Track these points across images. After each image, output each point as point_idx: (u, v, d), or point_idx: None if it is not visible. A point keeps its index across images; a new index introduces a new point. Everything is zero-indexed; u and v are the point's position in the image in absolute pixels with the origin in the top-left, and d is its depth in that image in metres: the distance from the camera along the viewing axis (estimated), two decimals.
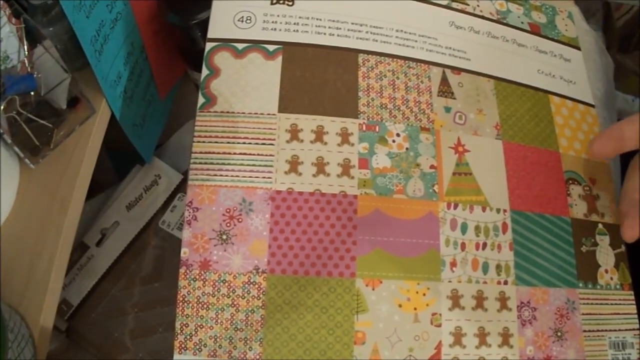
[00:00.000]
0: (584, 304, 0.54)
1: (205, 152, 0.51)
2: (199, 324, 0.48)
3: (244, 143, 0.52)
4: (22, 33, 0.50)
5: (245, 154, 0.51)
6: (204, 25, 0.58)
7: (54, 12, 0.52)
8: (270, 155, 0.51)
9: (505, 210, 0.54)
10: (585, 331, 0.54)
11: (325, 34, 0.56)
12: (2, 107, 0.49)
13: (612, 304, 0.56)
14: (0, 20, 0.49)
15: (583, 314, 0.54)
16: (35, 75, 0.51)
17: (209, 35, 0.55)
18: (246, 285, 0.49)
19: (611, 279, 0.56)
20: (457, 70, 0.58)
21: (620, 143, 0.53)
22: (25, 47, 0.50)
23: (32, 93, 0.51)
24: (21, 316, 0.50)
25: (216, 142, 0.51)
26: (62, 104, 0.54)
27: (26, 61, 0.50)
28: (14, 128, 0.51)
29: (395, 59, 0.56)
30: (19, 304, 0.51)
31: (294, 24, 0.56)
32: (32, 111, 0.51)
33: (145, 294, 0.69)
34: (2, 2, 0.49)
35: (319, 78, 0.54)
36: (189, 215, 0.50)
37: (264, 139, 0.52)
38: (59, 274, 0.53)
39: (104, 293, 0.69)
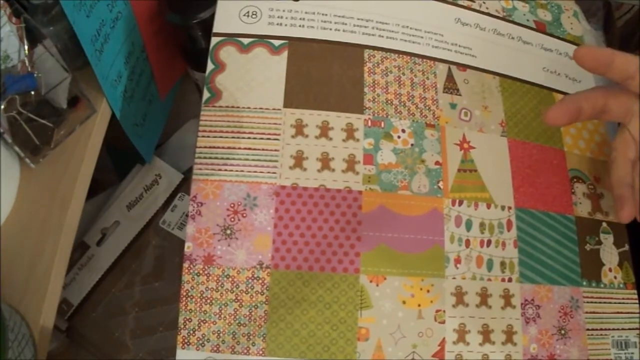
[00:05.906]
0: (587, 302, 0.54)
1: (210, 147, 0.51)
2: (202, 319, 0.48)
3: (249, 138, 0.52)
4: (23, 32, 0.50)
5: (250, 148, 0.51)
6: (205, 24, 0.58)
7: (54, 12, 0.52)
8: (275, 150, 0.51)
9: (510, 208, 0.54)
10: (588, 329, 0.54)
11: (331, 29, 0.56)
12: (2, 107, 0.48)
13: (615, 303, 0.56)
14: (0, 19, 0.49)
15: (586, 313, 0.54)
16: (35, 75, 0.51)
17: (215, 29, 0.55)
18: (250, 281, 0.48)
19: (615, 277, 0.56)
20: (462, 66, 0.58)
21: (575, 116, 0.53)
22: (26, 47, 0.50)
23: (32, 92, 0.51)
24: (21, 316, 0.50)
25: (221, 137, 0.51)
26: (62, 104, 0.54)
27: (26, 60, 0.50)
28: (15, 127, 0.50)
29: (401, 55, 0.56)
30: (19, 304, 0.50)
31: (300, 19, 0.56)
32: (32, 111, 0.51)
33: (146, 293, 0.68)
34: (2, 1, 0.49)
35: (325, 73, 0.54)
36: (193, 210, 0.50)
37: (269, 134, 0.52)
38: (59, 273, 0.52)
39: (104, 293, 0.68)
